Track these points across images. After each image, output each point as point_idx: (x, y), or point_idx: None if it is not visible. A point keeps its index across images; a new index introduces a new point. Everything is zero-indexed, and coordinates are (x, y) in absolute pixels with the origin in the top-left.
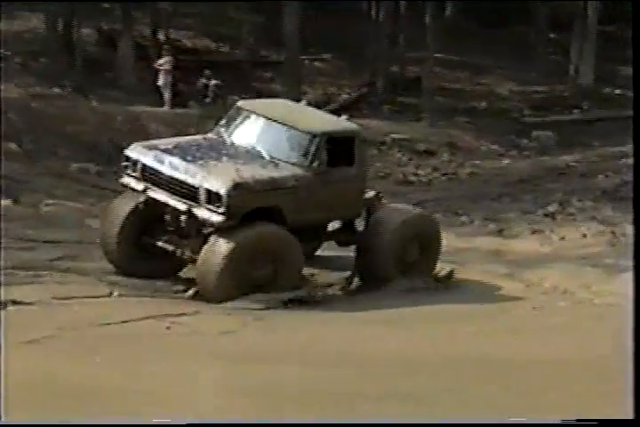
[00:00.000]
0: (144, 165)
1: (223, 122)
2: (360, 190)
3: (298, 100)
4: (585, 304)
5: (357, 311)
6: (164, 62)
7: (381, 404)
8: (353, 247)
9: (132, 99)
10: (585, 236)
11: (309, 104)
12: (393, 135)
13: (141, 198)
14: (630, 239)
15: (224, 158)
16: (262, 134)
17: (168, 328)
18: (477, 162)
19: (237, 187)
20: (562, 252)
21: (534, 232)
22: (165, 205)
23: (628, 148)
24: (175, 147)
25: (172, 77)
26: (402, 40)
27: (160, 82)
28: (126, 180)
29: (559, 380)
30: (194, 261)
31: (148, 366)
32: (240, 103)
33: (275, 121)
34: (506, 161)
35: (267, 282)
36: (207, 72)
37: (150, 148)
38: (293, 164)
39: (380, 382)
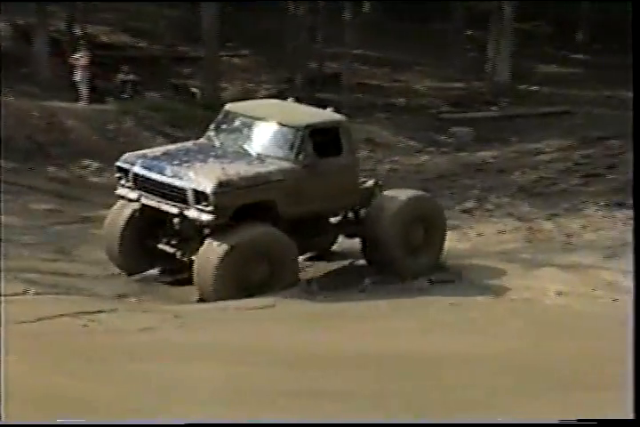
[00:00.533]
0: (135, 174)
1: (212, 126)
2: (353, 179)
3: (218, 98)
4: (502, 299)
5: (291, 308)
6: (79, 57)
7: (296, 400)
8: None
9: (49, 94)
10: (502, 232)
11: (297, 101)
12: None
13: (136, 206)
14: (547, 234)
15: (210, 160)
16: (249, 133)
17: (85, 326)
18: (396, 158)
19: (222, 185)
20: (479, 248)
21: (452, 228)
22: (159, 210)
23: (544, 144)
24: (163, 153)
25: (89, 73)
26: (320, 36)
27: (77, 77)
28: (120, 191)
29: (475, 376)
30: (193, 262)
31: (62, 364)
32: (227, 106)
33: (259, 119)
34: (424, 157)
35: (263, 283)
36: (125, 68)
37: (139, 156)
38: (280, 158)
39: (293, 379)
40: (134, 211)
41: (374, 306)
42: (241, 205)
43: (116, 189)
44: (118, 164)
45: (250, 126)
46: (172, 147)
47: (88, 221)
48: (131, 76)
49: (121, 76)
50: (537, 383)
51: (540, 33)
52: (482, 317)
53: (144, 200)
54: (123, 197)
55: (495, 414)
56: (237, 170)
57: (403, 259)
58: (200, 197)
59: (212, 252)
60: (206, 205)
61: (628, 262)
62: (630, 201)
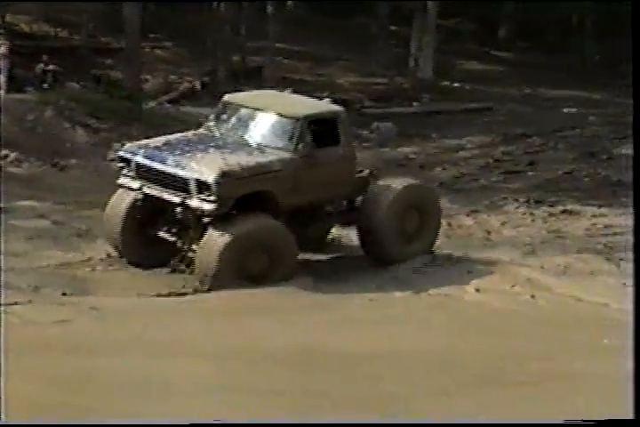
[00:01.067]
0: (137, 164)
1: (211, 117)
2: (350, 169)
3: (140, 90)
4: (421, 295)
5: (213, 302)
6: None
7: (215, 394)
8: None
9: None
10: None
11: (295, 92)
12: None
13: (139, 195)
14: (466, 230)
15: (211, 150)
16: (248, 124)
17: None
18: None
19: (225, 175)
20: None
21: None
22: (161, 200)
23: (465, 140)
24: (165, 144)
25: (8, 62)
26: (244, 29)
27: None
28: (122, 180)
29: (393, 371)
30: (194, 251)
31: None
32: (226, 97)
33: (258, 110)
34: None
35: (261, 273)
36: (45, 57)
37: (141, 146)
38: (280, 148)
39: (211, 373)
40: (135, 200)
41: (296, 300)
42: (242, 194)
43: (117, 179)
44: (120, 153)
45: (249, 117)
46: (172, 137)
47: (6, 212)
48: (51, 67)
49: (41, 66)
50: (453, 380)
51: (463, 30)
52: (400, 313)
53: (146, 190)
54: (124, 187)
55: (414, 411)
56: (238, 160)
57: (398, 246)
58: (202, 186)
59: (213, 242)
60: (209, 195)
61: (546, 259)
62: (550, 198)
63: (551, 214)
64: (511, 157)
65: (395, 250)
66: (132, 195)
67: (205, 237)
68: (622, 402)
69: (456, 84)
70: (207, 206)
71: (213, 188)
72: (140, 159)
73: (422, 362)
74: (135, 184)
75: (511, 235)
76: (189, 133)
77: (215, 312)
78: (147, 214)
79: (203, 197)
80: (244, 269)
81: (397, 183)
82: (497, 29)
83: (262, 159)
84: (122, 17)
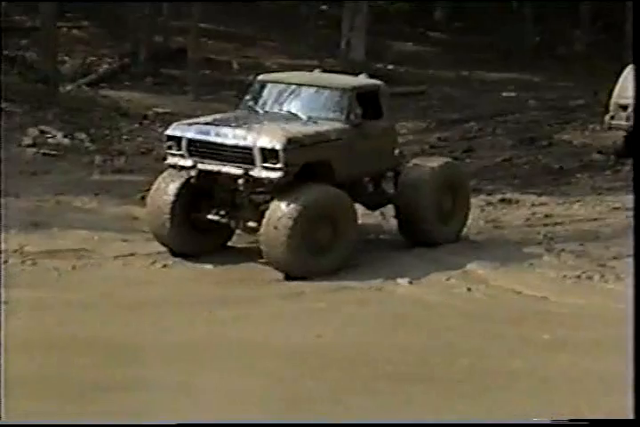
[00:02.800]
0: (189, 140)
1: (248, 97)
2: (393, 141)
3: (56, 72)
4: (351, 288)
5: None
6: None
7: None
8: None
9: None
10: None
11: (324, 71)
12: (156, 109)
13: (192, 173)
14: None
15: (265, 122)
16: (294, 99)
17: None
18: None
19: (291, 141)
20: None
21: None
22: (217, 175)
23: (399, 125)
24: (214, 120)
25: None
26: (166, 8)
27: None
28: (172, 159)
29: (318, 369)
30: (251, 229)
31: None
32: (261, 77)
33: (304, 85)
34: None
35: (327, 243)
36: None
37: (190, 124)
38: (332, 119)
39: (102, 369)
40: (186, 180)
41: (218, 291)
42: (305, 163)
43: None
44: (168, 132)
45: (294, 92)
46: (217, 116)
47: None
48: None
49: None
50: (375, 377)
51: (396, 10)
52: (327, 307)
53: (200, 166)
54: (175, 166)
55: (340, 408)
56: (298, 129)
57: (437, 225)
58: (268, 154)
59: (281, 212)
60: (275, 163)
61: (484, 251)
62: (488, 186)
63: (489, 203)
64: (447, 143)
65: (435, 228)
66: (178, 179)
67: (270, 211)
68: (544, 398)
69: (389, 67)
70: (273, 174)
71: (281, 154)
72: (192, 135)
73: (347, 358)
74: (187, 162)
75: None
76: (230, 113)
77: (131, 305)
78: (192, 200)
79: (268, 165)
80: (311, 239)
81: (433, 161)
82: (432, 10)
83: (320, 128)
84: None
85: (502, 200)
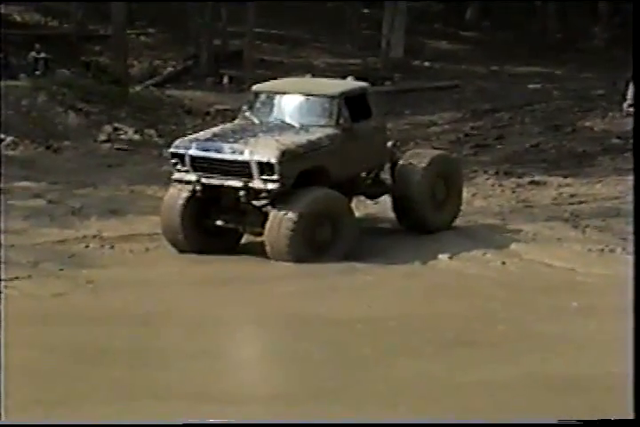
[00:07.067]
0: (192, 157)
1: (245, 108)
2: (384, 139)
3: (127, 74)
4: (396, 264)
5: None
6: None
7: (192, 360)
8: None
9: None
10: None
11: (313, 76)
12: (216, 106)
13: (195, 188)
14: None
15: (260, 134)
16: (286, 108)
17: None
18: None
19: (284, 153)
20: (374, 214)
21: None
22: (220, 187)
23: (436, 116)
24: (214, 135)
25: (2, 50)
26: (224, 14)
27: None
28: (177, 175)
29: (371, 336)
30: (257, 233)
31: None
32: (255, 87)
33: (294, 94)
34: None
35: (327, 242)
36: (37, 46)
37: (191, 140)
38: (322, 126)
39: (201, 340)
40: (190, 193)
41: (279, 269)
42: (300, 171)
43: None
44: (172, 150)
45: (286, 101)
46: (215, 129)
47: (4, 193)
48: (43, 54)
49: (33, 54)
50: (422, 342)
51: (431, 11)
52: (377, 280)
53: (204, 180)
54: (181, 182)
55: (386, 370)
56: (291, 140)
57: (432, 212)
58: (264, 167)
59: (284, 216)
60: (270, 175)
61: (516, 228)
62: (518, 170)
63: (519, 185)
64: (480, 131)
65: (429, 215)
66: (187, 189)
67: (273, 214)
68: (576, 359)
69: (426, 64)
70: (271, 186)
71: (276, 167)
72: (194, 152)
73: (397, 326)
74: (192, 177)
75: (481, 205)
76: (229, 125)
77: (200, 283)
78: (201, 206)
79: (265, 177)
80: (313, 241)
81: (427, 153)
82: (464, 10)
83: (311, 137)
84: (109, 5)
85: (531, 182)
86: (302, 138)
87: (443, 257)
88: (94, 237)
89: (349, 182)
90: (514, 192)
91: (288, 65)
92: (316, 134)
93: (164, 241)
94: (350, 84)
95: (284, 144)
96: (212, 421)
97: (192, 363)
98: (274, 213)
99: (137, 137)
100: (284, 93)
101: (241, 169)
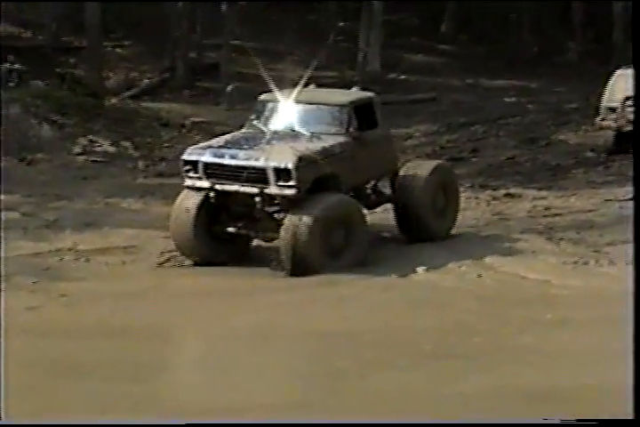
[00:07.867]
0: (205, 164)
1: (252, 117)
2: (390, 148)
3: (102, 86)
4: (373, 277)
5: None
6: None
7: (168, 373)
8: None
9: None
10: (373, 212)
11: (318, 86)
12: (192, 118)
13: (207, 194)
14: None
15: (273, 142)
16: (296, 116)
17: None
18: None
19: (301, 160)
20: None
21: None
22: (234, 194)
23: (413, 129)
24: (226, 142)
25: None
26: (200, 27)
27: None
28: (189, 182)
29: (349, 349)
30: (269, 239)
31: None
32: (263, 97)
33: (304, 103)
34: None
35: (341, 247)
36: (11, 57)
37: (204, 148)
38: (334, 134)
39: (171, 354)
40: (205, 198)
41: (258, 282)
42: (315, 178)
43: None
44: (185, 157)
45: (295, 110)
46: (227, 137)
47: None
48: (16, 66)
49: (7, 66)
50: (400, 355)
51: (407, 25)
52: (354, 293)
53: (218, 187)
54: (194, 188)
55: (365, 384)
56: (305, 146)
57: (434, 221)
58: (281, 173)
59: (300, 221)
60: (287, 181)
61: (492, 241)
62: (494, 183)
63: (495, 198)
64: (456, 144)
65: (432, 223)
66: (197, 198)
67: (289, 221)
68: (550, 371)
69: (402, 77)
70: (287, 191)
71: (293, 173)
72: (208, 159)
73: (375, 339)
74: (205, 184)
75: (457, 218)
76: (238, 133)
77: (184, 296)
78: (212, 213)
79: (281, 183)
80: (327, 245)
81: (428, 163)
82: (440, 24)
83: (325, 144)
84: (83, 17)
85: (506, 195)
86: (317, 145)
87: (419, 270)
88: (69, 249)
89: (355, 191)
90: (489, 205)
91: (264, 77)
92: (328, 142)
93: (141, 254)
94: (358, 93)
95: (300, 151)
96: (211, 421)
97: (168, 376)
98: (289, 218)
99: (112, 149)
100: (294, 102)
101: (257, 175)
